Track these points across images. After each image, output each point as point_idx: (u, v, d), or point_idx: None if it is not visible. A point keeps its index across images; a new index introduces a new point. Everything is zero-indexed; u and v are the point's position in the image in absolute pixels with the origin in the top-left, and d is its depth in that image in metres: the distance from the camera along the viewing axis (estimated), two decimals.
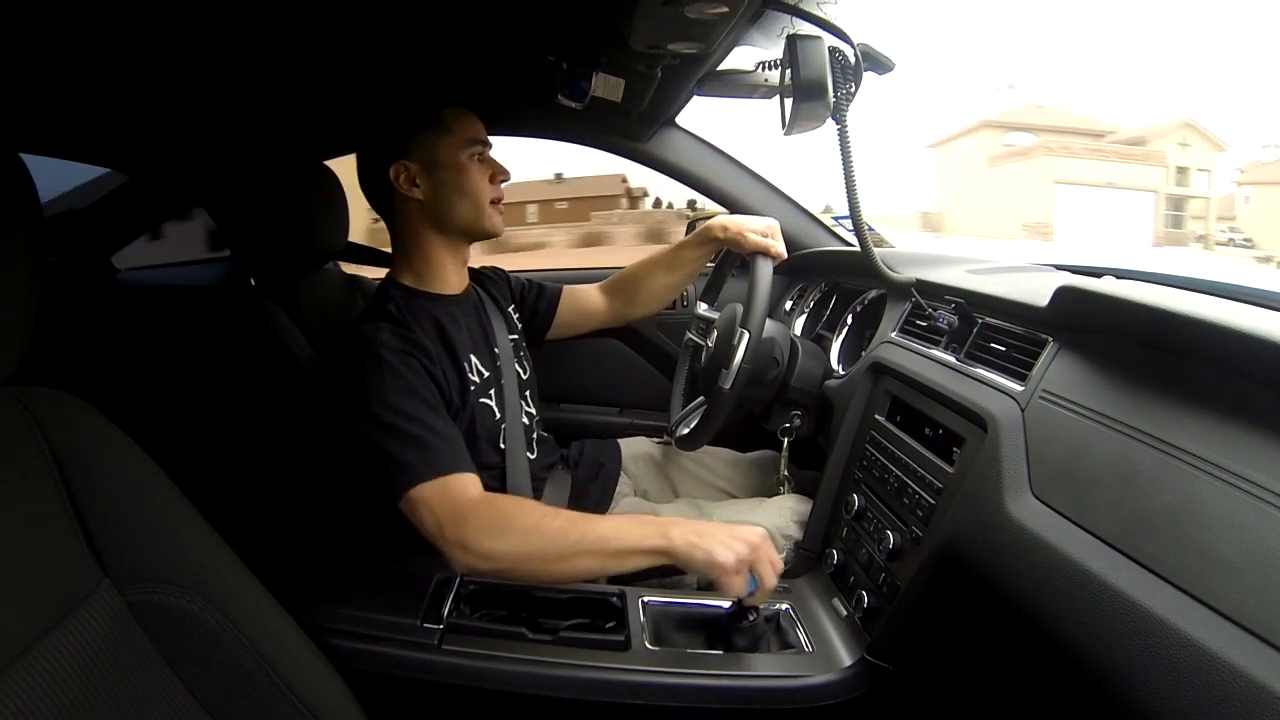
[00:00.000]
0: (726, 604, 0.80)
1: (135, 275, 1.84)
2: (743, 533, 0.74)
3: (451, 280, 1.03)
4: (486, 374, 0.99)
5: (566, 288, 1.25)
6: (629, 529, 0.74)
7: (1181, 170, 22.47)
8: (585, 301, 1.26)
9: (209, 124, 1.32)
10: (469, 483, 0.80)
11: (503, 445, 0.98)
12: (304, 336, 1.14)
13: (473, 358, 0.97)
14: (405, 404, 0.82)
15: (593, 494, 1.11)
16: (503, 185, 1.02)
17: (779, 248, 1.08)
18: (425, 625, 0.77)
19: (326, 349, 1.14)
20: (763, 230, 1.09)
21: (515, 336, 1.10)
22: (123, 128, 1.30)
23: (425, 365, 0.87)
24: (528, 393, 1.08)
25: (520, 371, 1.07)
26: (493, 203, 1.00)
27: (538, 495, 1.02)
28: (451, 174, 0.97)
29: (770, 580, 0.74)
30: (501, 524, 0.75)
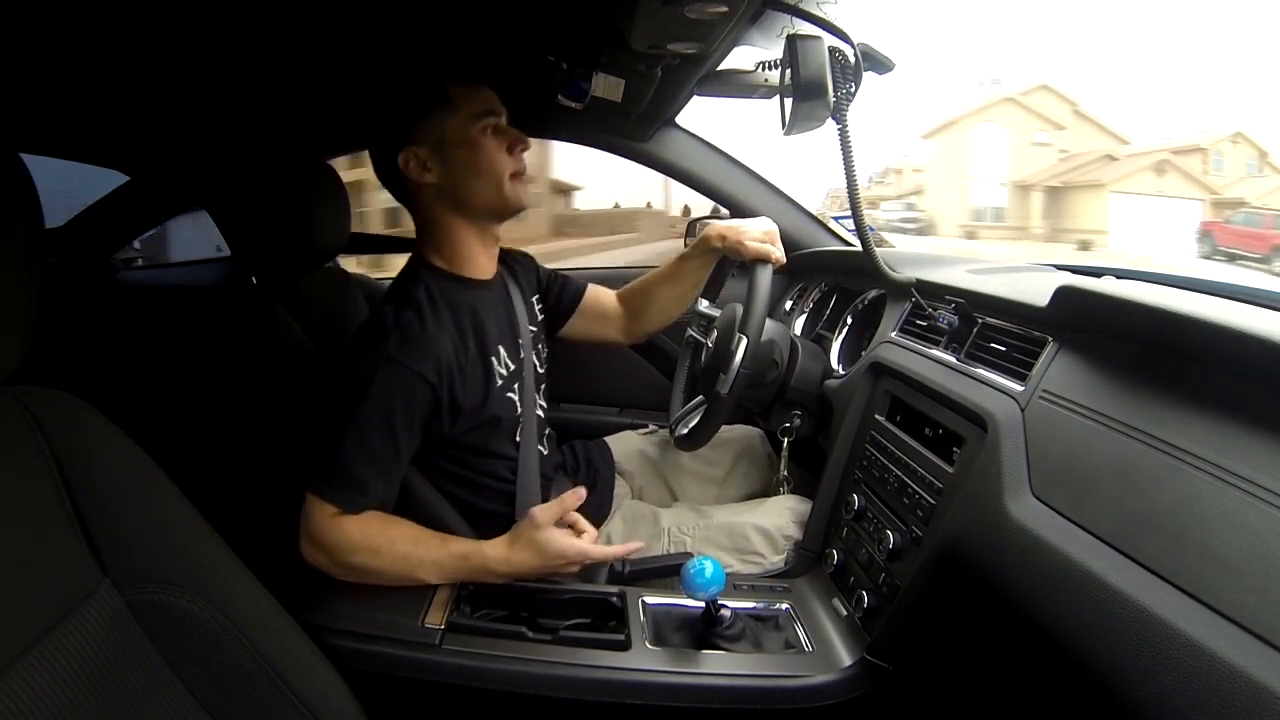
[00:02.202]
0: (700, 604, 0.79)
1: (135, 275, 1.84)
2: (551, 550, 0.85)
3: (483, 264, 0.99)
4: (513, 367, 0.96)
5: (591, 285, 1.22)
6: (461, 574, 0.86)
7: None
8: (606, 304, 1.22)
9: (209, 123, 1.32)
10: (350, 525, 0.83)
11: (518, 439, 0.97)
12: (306, 335, 1.14)
13: (501, 350, 0.95)
14: (365, 418, 0.83)
15: (591, 503, 1.04)
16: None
17: (778, 253, 1.04)
18: (425, 625, 0.77)
19: (327, 348, 1.14)
20: (761, 236, 1.05)
21: (535, 328, 1.07)
22: (123, 128, 1.31)
23: (422, 377, 0.85)
24: (542, 387, 1.06)
25: (536, 364, 1.04)
26: (513, 176, 0.94)
27: (545, 494, 1.01)
28: (464, 153, 0.91)
29: (579, 549, 0.85)
30: (347, 558, 0.83)
